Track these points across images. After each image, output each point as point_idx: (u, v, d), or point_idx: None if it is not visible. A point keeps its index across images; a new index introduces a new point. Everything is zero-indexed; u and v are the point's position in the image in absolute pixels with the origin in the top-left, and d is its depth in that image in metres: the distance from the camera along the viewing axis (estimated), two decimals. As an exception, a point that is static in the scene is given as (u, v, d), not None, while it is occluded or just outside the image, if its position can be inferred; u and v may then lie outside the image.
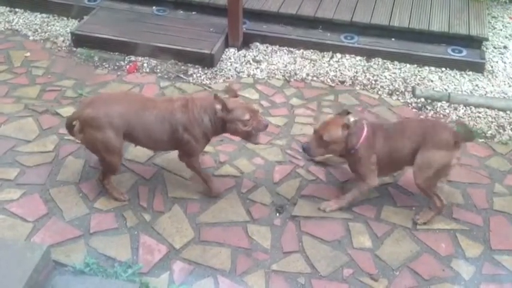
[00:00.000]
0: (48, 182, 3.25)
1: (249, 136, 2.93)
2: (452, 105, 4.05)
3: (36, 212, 3.04)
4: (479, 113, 3.98)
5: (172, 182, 3.30)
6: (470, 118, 3.93)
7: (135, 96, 3.39)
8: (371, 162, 3.02)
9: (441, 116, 3.97)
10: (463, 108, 4.02)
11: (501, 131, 3.80)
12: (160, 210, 3.12)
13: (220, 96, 2.91)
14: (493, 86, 4.24)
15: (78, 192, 3.19)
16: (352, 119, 2.93)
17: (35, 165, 3.35)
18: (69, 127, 3.02)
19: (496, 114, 3.94)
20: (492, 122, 3.88)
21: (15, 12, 5.12)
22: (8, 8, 5.17)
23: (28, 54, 4.42)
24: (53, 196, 3.15)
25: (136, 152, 3.43)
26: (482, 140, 3.73)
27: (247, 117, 2.83)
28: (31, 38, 4.76)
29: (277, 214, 3.14)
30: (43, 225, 2.97)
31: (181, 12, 5.01)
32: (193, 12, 5.00)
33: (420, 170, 2.96)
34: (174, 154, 3.25)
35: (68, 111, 3.79)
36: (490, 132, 3.78)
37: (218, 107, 2.84)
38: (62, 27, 4.92)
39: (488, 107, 3.98)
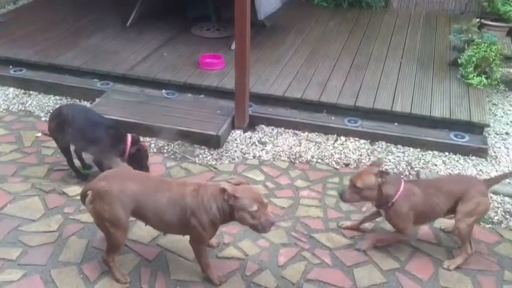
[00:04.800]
0: (49, 262, 3.20)
1: (255, 227, 2.87)
2: (458, 190, 4.04)
3: (35, 295, 2.96)
4: (485, 197, 3.97)
5: (176, 264, 3.24)
6: (476, 203, 3.91)
7: (151, 176, 3.40)
8: (409, 217, 3.18)
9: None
10: (468, 193, 4.00)
11: (508, 216, 3.77)
12: (162, 293, 3.03)
13: (230, 182, 2.91)
14: (496, 171, 4.26)
15: (79, 274, 3.12)
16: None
17: (38, 245, 3.31)
18: (83, 197, 3.03)
19: (501, 200, 3.93)
20: (498, 207, 3.86)
21: (30, 95, 5.31)
22: (22, 91, 5.36)
23: (39, 134, 4.51)
24: (54, 277, 3.09)
25: (140, 232, 3.41)
26: (490, 225, 3.68)
27: (254, 208, 2.78)
28: (43, 119, 4.88)
29: (282, 299, 3.05)
30: (41, 308, 2.89)
31: (190, 95, 5.18)
32: (202, 95, 5.17)
33: (464, 217, 3.15)
34: (179, 235, 3.22)
35: (74, 190, 3.82)
36: (496, 217, 3.75)
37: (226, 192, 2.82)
38: (74, 109, 5.07)
39: (493, 193, 3.97)
